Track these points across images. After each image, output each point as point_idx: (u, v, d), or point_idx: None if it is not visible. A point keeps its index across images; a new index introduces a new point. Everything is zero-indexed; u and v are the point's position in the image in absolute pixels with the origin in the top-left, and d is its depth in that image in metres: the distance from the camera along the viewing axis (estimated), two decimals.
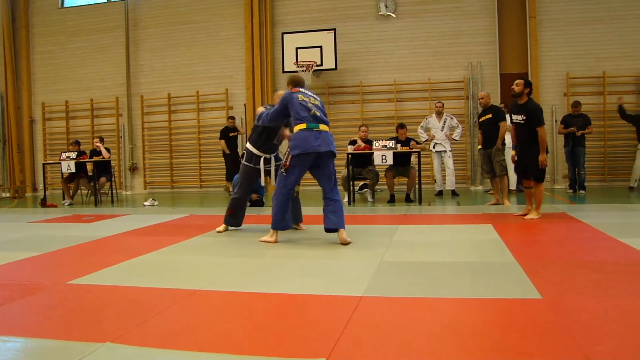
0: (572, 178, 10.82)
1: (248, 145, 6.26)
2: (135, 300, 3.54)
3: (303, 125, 5.34)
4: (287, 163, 5.41)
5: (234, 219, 6.42)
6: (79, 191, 11.77)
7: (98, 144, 11.38)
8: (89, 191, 11.70)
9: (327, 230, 5.41)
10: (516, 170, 7.45)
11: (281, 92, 5.90)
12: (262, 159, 6.17)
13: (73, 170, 10.92)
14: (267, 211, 8.56)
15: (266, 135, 6.11)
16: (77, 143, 11.82)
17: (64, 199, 11.39)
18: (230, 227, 6.52)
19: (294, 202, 6.06)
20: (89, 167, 11.63)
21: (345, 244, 5.31)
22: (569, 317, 2.93)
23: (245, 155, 6.28)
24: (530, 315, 2.99)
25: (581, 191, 10.43)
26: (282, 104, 5.52)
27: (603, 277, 3.80)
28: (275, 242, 5.54)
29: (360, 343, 2.62)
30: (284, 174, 5.46)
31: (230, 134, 12.53)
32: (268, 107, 6.06)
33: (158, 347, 2.62)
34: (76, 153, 11.14)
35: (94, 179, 11.19)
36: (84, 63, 14.72)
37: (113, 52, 14.49)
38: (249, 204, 9.44)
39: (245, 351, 2.55)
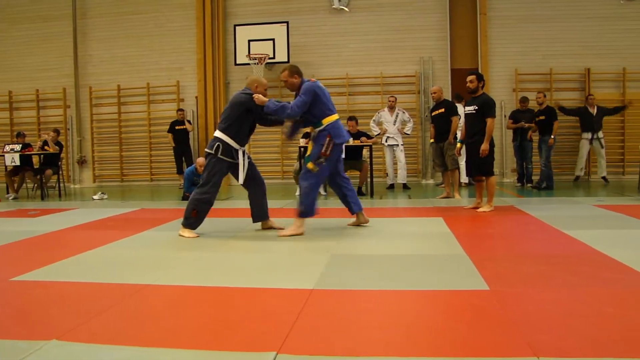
0: (520, 172, 11.15)
1: (222, 136, 5.53)
2: (83, 296, 3.47)
3: (336, 116, 5.60)
4: (328, 152, 5.44)
5: (198, 221, 5.61)
6: (24, 185, 11.41)
7: (47, 136, 11.07)
8: (35, 185, 11.36)
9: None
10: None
11: (253, 78, 5.79)
12: (240, 152, 5.61)
13: (17, 163, 10.56)
14: (219, 205, 8.49)
15: (250, 127, 5.70)
16: (22, 135, 11.45)
17: (7, 193, 11.02)
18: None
19: (261, 198, 5.91)
20: (35, 160, 11.28)
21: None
22: (515, 308, 3.01)
23: (220, 148, 5.51)
24: (478, 306, 3.06)
25: (528, 184, 10.72)
26: (309, 94, 5.39)
27: (548, 268, 3.92)
28: (302, 234, 5.50)
29: (311, 336, 2.64)
30: (324, 163, 5.47)
31: (177, 127, 12.40)
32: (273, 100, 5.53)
33: (106, 344, 2.57)
34: (21, 145, 10.80)
35: (40, 172, 10.86)
36: (29, 52, 14.18)
37: (59, 42, 13.99)
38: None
39: (196, 345, 2.53)
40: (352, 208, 5.96)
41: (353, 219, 6.08)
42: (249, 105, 5.50)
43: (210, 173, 5.57)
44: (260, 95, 5.47)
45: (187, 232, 5.57)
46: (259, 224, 6.00)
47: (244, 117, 5.56)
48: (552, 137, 10.06)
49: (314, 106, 5.44)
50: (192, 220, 5.57)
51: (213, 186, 5.56)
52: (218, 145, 5.53)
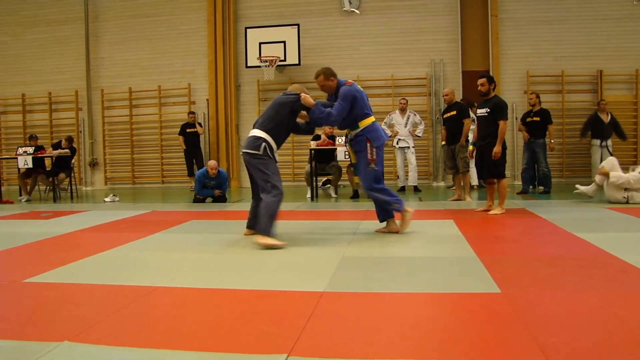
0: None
1: (267, 137, 5.24)
2: (95, 297, 3.48)
3: (372, 118, 5.62)
4: (374, 156, 5.50)
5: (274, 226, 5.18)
6: (36, 187, 11.50)
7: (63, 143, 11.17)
8: (47, 187, 11.45)
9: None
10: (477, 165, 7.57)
11: (297, 86, 5.63)
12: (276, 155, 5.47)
13: (30, 165, 10.65)
14: (231, 207, 8.52)
15: (290, 131, 5.65)
16: (35, 137, 11.53)
17: (20, 195, 11.12)
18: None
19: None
20: (47, 162, 11.36)
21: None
22: (526, 311, 2.99)
23: (267, 149, 5.20)
24: (489, 308, 3.04)
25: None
26: (348, 100, 5.39)
27: (559, 271, 3.89)
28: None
29: (322, 338, 2.63)
30: (375, 168, 5.52)
31: (188, 130, 12.45)
32: (317, 101, 5.47)
33: (118, 345, 2.58)
34: (33, 148, 10.88)
35: (52, 174, 10.94)
36: (41, 55, 14.32)
37: (72, 45, 14.12)
38: (211, 199, 9.39)
39: (206, 348, 2.53)
40: (380, 216, 5.79)
41: (370, 222, 6.04)
42: (294, 107, 5.41)
43: (272, 175, 5.25)
44: (308, 96, 5.40)
45: (270, 240, 5.02)
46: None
47: (287, 119, 5.42)
48: (552, 141, 9.99)
49: (351, 109, 5.47)
50: (273, 224, 5.14)
51: (279, 187, 5.28)
52: (265, 146, 5.20)
